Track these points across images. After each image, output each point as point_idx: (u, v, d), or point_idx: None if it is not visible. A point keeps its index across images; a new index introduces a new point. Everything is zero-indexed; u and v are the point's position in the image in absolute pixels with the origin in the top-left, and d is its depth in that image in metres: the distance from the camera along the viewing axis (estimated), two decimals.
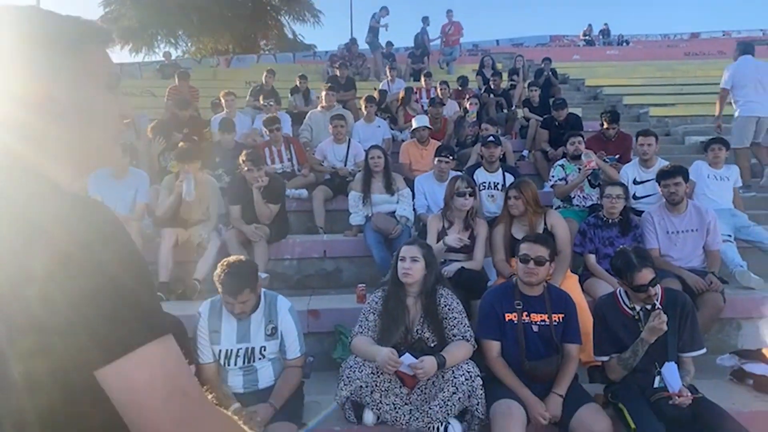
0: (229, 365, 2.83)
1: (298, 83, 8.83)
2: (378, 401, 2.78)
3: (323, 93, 7.01)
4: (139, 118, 6.74)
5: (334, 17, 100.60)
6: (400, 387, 2.83)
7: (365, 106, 6.87)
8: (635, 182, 5.01)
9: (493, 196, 4.89)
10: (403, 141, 7.23)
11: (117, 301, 0.73)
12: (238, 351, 2.83)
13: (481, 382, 2.78)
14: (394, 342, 2.87)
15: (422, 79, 9.55)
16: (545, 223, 3.87)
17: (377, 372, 2.80)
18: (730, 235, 4.61)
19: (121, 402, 0.72)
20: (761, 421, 2.97)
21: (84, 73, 0.87)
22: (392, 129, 7.60)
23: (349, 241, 5.02)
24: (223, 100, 6.91)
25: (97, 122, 0.89)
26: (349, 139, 6.03)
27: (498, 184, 4.92)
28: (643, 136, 5.03)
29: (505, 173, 4.98)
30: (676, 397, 2.72)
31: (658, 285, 2.97)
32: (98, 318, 0.71)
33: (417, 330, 2.93)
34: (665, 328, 2.77)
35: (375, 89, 9.62)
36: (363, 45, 14.18)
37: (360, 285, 4.08)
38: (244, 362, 2.84)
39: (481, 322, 3.00)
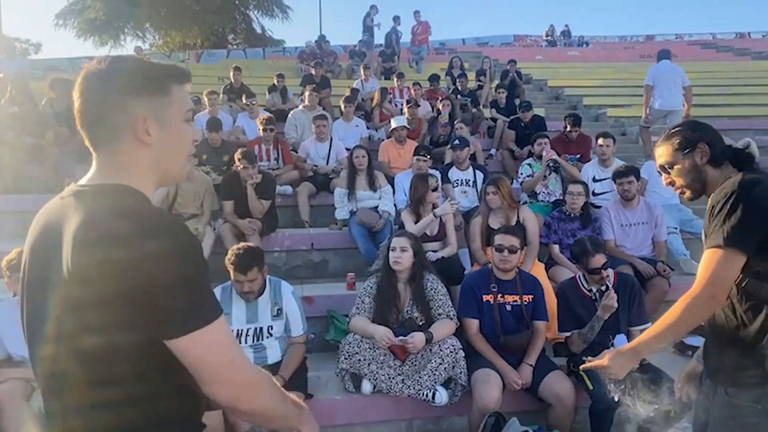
0: (240, 344, 3.18)
1: (275, 81, 9.07)
2: (375, 372, 3.19)
3: (306, 93, 7.31)
4: None
5: (302, 13, 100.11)
6: (394, 360, 3.24)
7: (344, 106, 7.22)
8: (594, 180, 5.54)
9: (465, 191, 5.36)
10: (379, 140, 7.63)
11: (198, 287, 1.00)
12: (248, 331, 3.18)
13: (463, 354, 3.23)
14: (388, 321, 3.28)
15: (395, 79, 9.93)
16: (518, 217, 4.35)
17: (374, 347, 3.21)
18: (676, 228, 5.19)
19: (193, 364, 1.01)
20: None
21: (171, 110, 1.11)
22: (368, 128, 7.98)
23: (335, 234, 5.39)
24: (206, 99, 7.14)
25: (177, 149, 1.14)
26: (331, 138, 6.37)
27: (470, 180, 5.40)
28: (603, 138, 5.57)
29: (476, 171, 5.46)
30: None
31: (610, 269, 3.47)
32: (184, 299, 0.98)
33: (407, 311, 3.34)
34: (616, 305, 3.26)
35: (348, 87, 9.97)
36: (335, 42, 14.45)
37: (350, 274, 4.47)
38: (253, 341, 3.19)
39: (462, 302, 3.44)
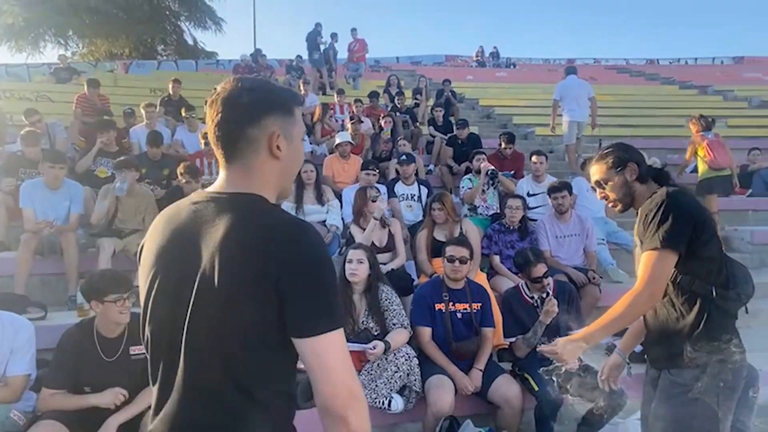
0: None
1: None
2: None
3: None
4: (53, 127, 6.61)
5: (235, 25, 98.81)
6: None
7: None
8: (529, 195, 5.88)
9: (411, 206, 5.54)
10: (322, 154, 7.71)
11: (331, 293, 1.10)
12: None
13: (417, 362, 3.35)
14: (344, 332, 3.35)
15: (335, 95, 10.06)
16: (461, 229, 4.56)
17: None
18: (603, 239, 5.59)
19: (311, 364, 1.07)
20: (628, 381, 3.77)
21: (294, 129, 1.23)
22: (310, 143, 8.04)
23: None
24: (144, 112, 6.95)
25: (297, 163, 1.28)
26: None
27: (414, 195, 5.59)
28: (536, 156, 5.95)
29: (420, 186, 5.66)
30: (567, 365, 3.46)
31: (550, 278, 3.73)
32: (319, 302, 1.07)
33: (363, 321, 3.43)
34: (557, 310, 3.51)
35: None
36: (271, 55, 14.39)
37: None
38: None
39: (415, 311, 3.57)
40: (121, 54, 20.86)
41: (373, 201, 4.63)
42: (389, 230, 4.62)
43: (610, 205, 2.19)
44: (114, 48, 21.53)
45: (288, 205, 5.30)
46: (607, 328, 2.03)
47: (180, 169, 4.83)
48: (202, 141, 6.05)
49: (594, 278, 4.75)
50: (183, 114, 7.21)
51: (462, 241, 3.75)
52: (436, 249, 4.31)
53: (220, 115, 1.16)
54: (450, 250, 3.58)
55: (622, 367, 2.47)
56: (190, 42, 23.63)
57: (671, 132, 11.40)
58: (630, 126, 11.40)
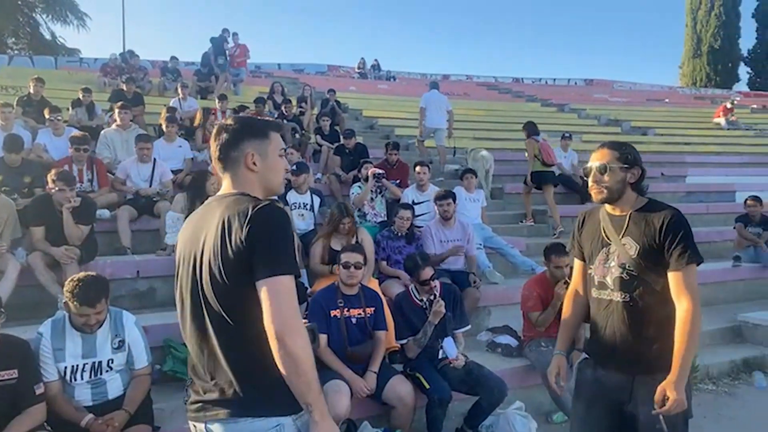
0: (75, 380, 2.91)
1: (81, 96, 8.29)
2: None
3: (117, 111, 6.81)
4: None
5: (102, 22, 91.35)
6: None
7: (166, 126, 6.92)
8: (414, 203, 6.15)
9: (302, 215, 5.55)
10: (203, 161, 7.44)
11: (288, 249, 1.56)
12: (84, 366, 2.93)
13: None
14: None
15: (216, 100, 9.74)
16: (356, 238, 4.67)
17: None
18: (480, 244, 6.02)
19: (264, 300, 1.48)
20: (507, 375, 4.12)
21: (270, 149, 1.73)
22: (191, 149, 7.71)
23: (164, 260, 5.11)
24: None
25: (275, 173, 1.75)
26: (155, 159, 6.06)
27: (307, 204, 5.61)
28: (420, 166, 6.27)
29: (313, 195, 5.70)
30: (454, 362, 3.70)
31: (437, 280, 3.96)
32: (275, 254, 1.52)
33: None
34: (444, 311, 3.74)
35: (164, 105, 9.52)
36: (146, 57, 13.59)
37: None
38: (90, 376, 2.94)
39: (310, 319, 3.59)
40: None
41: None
42: None
43: (598, 188, 2.24)
44: None
45: (173, 215, 5.06)
46: (689, 355, 2.10)
47: (51, 176, 4.41)
48: (71, 146, 5.56)
49: (475, 281, 5.10)
50: (47, 116, 6.58)
51: (356, 247, 3.86)
52: (331, 257, 4.38)
53: (216, 142, 1.73)
54: (345, 257, 3.67)
55: (565, 365, 2.58)
56: (48, 37, 21.49)
57: None
58: (498, 139, 12.30)
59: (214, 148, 1.73)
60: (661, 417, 2.09)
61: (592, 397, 2.34)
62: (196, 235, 1.67)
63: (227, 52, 13.75)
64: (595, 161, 2.26)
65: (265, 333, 1.50)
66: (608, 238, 2.28)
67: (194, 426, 1.67)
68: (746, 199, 7.32)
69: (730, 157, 13.34)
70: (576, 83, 27.87)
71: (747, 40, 39.59)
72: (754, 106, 21.19)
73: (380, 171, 6.00)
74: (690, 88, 30.11)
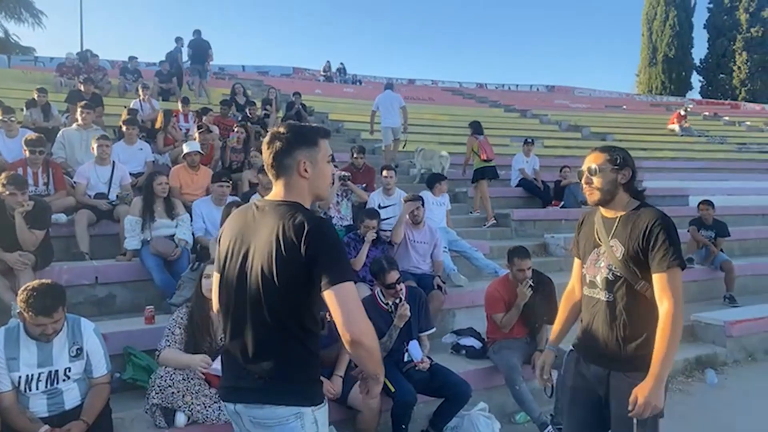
0: (30, 390, 2.81)
1: (36, 96, 8.01)
2: (190, 403, 3.11)
3: (78, 111, 6.62)
4: None
5: (58, 21, 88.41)
6: (209, 388, 3.21)
7: (126, 128, 6.76)
8: (380, 207, 6.18)
9: None
10: (164, 164, 7.29)
11: (345, 258, 1.78)
12: (39, 375, 2.83)
13: None
14: (201, 350, 3.24)
15: (178, 103, 9.57)
16: None
17: (188, 378, 3.14)
18: (445, 247, 6.08)
19: (334, 306, 1.67)
20: (471, 377, 4.18)
21: (319, 156, 1.85)
22: (152, 152, 7.54)
23: (123, 265, 5.00)
24: None
25: (323, 180, 1.88)
26: (114, 162, 5.91)
27: None
28: (386, 170, 6.30)
29: None
30: (420, 365, 3.72)
31: (402, 284, 3.98)
32: (338, 264, 1.71)
33: (221, 338, 3.34)
34: (409, 314, 3.76)
35: (125, 107, 9.31)
36: (105, 57, 13.23)
37: (148, 307, 4.22)
38: (47, 385, 2.85)
39: None
40: None
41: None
42: None
43: (590, 189, 2.31)
44: None
45: (132, 219, 4.94)
46: (668, 358, 2.11)
47: (1, 180, 4.25)
48: (26, 148, 5.37)
49: (438, 285, 5.16)
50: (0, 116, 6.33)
51: None
52: None
53: (269, 150, 1.84)
54: None
55: (551, 361, 2.65)
56: (1, 34, 20.70)
57: (498, 150, 12.68)
58: (462, 144, 12.40)
59: (266, 155, 1.84)
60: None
61: (575, 389, 2.46)
62: (247, 235, 1.82)
63: (208, 60, 13.81)
64: (587, 164, 2.34)
65: (307, 335, 1.80)
66: (599, 240, 2.36)
67: (225, 405, 1.90)
68: (699, 204, 7.63)
69: (684, 162, 13.87)
70: (538, 89, 28.49)
71: (699, 50, 41.25)
72: (706, 113, 22.10)
73: (346, 173, 6.01)
74: (646, 96, 31.18)
